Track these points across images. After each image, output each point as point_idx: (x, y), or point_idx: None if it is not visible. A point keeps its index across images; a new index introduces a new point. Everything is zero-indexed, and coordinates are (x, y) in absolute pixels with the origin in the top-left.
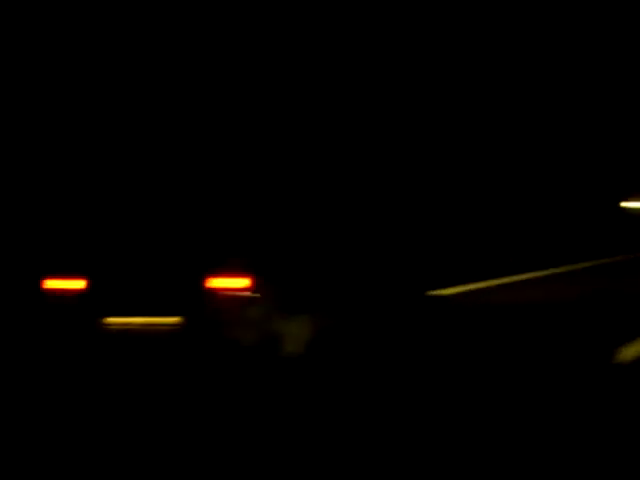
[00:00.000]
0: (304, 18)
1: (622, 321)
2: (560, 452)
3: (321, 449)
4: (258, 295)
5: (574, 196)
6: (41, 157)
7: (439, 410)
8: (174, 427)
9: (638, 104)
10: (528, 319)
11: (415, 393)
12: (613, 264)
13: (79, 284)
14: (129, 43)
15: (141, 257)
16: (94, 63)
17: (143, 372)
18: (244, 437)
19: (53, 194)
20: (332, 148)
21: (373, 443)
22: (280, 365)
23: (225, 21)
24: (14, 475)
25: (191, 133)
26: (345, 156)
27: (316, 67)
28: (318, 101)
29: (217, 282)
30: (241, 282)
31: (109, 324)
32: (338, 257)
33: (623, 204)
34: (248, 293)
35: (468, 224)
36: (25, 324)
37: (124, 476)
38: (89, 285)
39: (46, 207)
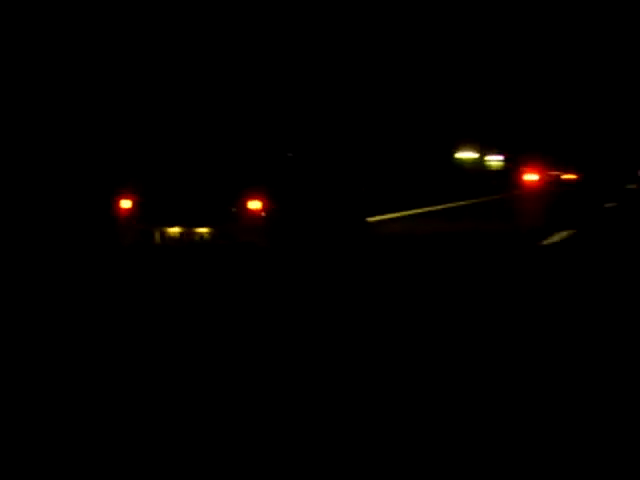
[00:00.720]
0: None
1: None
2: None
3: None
4: (266, 214)
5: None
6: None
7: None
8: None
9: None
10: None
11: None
12: (480, 204)
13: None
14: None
15: (189, 186)
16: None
17: (190, 263)
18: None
19: (150, 150)
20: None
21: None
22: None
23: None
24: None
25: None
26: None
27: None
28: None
29: (239, 205)
30: (257, 203)
31: (165, 232)
32: (313, 197)
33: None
34: (260, 211)
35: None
36: (102, 226)
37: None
38: (145, 202)
39: (140, 157)
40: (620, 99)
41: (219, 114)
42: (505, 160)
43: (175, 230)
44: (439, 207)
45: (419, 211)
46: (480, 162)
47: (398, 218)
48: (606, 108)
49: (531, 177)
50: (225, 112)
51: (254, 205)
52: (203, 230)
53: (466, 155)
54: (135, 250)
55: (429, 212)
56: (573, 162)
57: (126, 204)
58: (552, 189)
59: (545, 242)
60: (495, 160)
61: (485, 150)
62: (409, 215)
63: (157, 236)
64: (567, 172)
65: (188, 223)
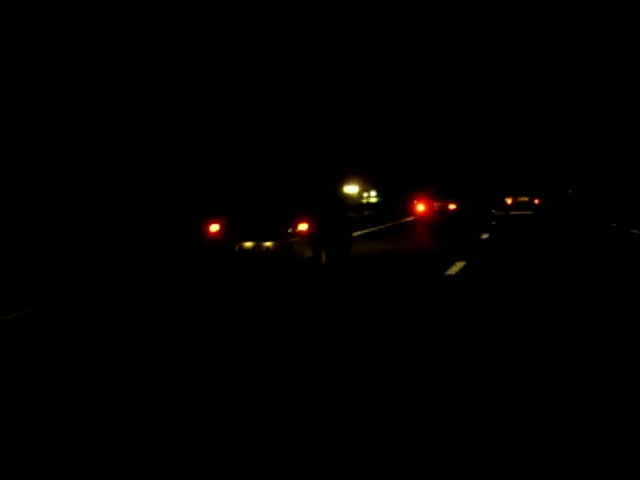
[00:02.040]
0: None
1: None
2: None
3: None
4: (311, 233)
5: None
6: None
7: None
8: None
9: None
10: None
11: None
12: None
13: (221, 225)
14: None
15: (259, 215)
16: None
17: (255, 266)
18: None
19: (225, 179)
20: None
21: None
22: (316, 268)
23: None
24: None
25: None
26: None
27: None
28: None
29: (297, 224)
30: (304, 225)
31: (241, 245)
32: (336, 220)
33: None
34: (307, 231)
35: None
36: (193, 249)
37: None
38: (229, 225)
39: (217, 183)
40: (486, 142)
41: (277, 163)
42: (379, 195)
43: (249, 244)
44: (359, 232)
45: None
46: (360, 197)
47: None
48: (474, 148)
49: (421, 207)
50: (280, 162)
51: (303, 227)
52: (268, 244)
53: (350, 190)
54: (221, 257)
55: (355, 236)
56: (454, 194)
57: (214, 227)
58: (439, 216)
59: (447, 273)
60: (372, 195)
61: (363, 187)
62: None
63: (236, 247)
64: (449, 202)
65: (257, 239)
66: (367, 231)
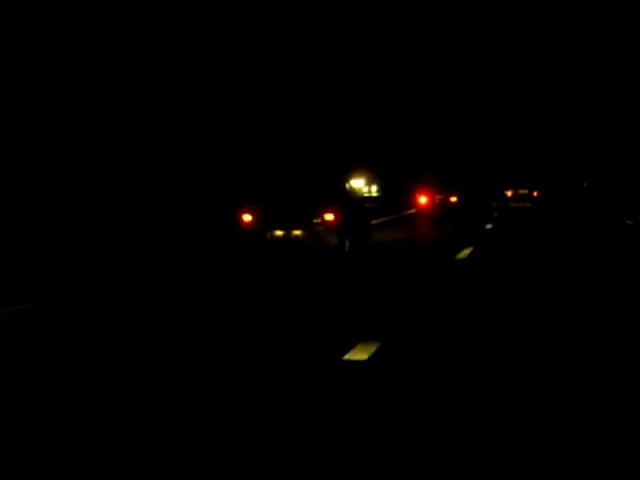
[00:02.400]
0: None
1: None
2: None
3: None
4: (337, 223)
5: None
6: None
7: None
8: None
9: None
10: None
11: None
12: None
13: (258, 214)
14: None
15: (289, 206)
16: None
17: (285, 253)
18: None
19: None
20: None
21: None
22: (340, 252)
23: None
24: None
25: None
26: None
27: None
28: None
29: (323, 214)
30: (331, 215)
31: (272, 233)
32: (357, 211)
33: None
34: (334, 221)
35: None
36: (229, 237)
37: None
38: (261, 215)
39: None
40: (488, 137)
41: (303, 159)
42: (381, 188)
43: (279, 232)
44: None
45: None
46: (363, 190)
47: None
48: (477, 144)
49: (423, 199)
50: (306, 158)
51: (329, 217)
52: (297, 232)
53: (355, 184)
54: (254, 243)
55: None
56: (455, 187)
57: (248, 217)
58: (440, 209)
59: (458, 257)
60: (374, 189)
61: (367, 180)
62: None
63: (268, 235)
64: (451, 195)
65: (287, 228)
66: (374, 222)
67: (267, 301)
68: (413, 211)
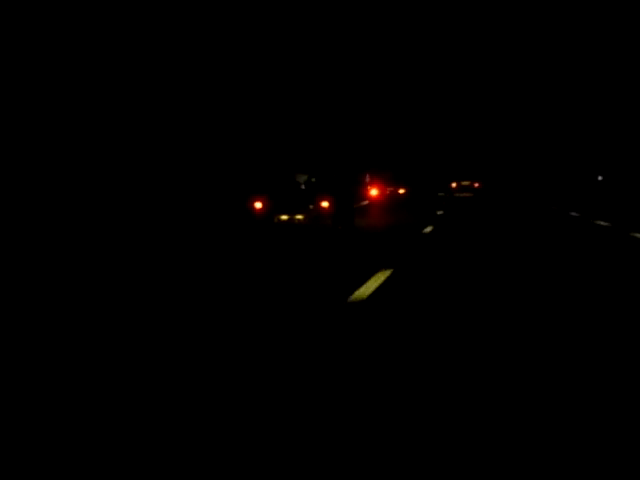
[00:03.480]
0: None
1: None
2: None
3: None
4: (331, 209)
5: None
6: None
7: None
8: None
9: None
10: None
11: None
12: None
13: (266, 201)
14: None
15: (292, 196)
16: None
17: (289, 233)
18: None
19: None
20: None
21: None
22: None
23: None
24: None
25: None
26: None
27: None
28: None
29: (320, 202)
30: (326, 203)
31: (279, 218)
32: (346, 200)
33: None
34: (329, 208)
35: None
36: (240, 219)
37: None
38: (270, 203)
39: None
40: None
41: (305, 160)
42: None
43: (285, 216)
44: None
45: None
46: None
47: None
48: (424, 140)
49: (374, 192)
50: (307, 159)
51: (324, 204)
52: (299, 216)
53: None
54: (263, 226)
55: None
56: (403, 180)
57: (258, 204)
58: (390, 200)
59: (424, 231)
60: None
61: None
62: None
63: (275, 219)
64: (400, 187)
65: (291, 213)
66: None
67: (277, 266)
68: (366, 203)
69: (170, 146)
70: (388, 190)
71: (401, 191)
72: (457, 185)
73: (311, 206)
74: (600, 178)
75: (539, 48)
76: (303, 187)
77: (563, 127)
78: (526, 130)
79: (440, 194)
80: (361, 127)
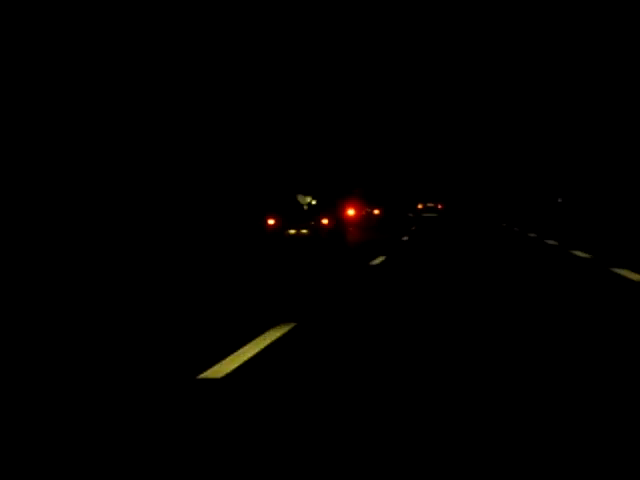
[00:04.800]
0: None
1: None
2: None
3: None
4: (332, 224)
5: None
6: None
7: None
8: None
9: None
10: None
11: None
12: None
13: (278, 220)
14: None
15: (298, 214)
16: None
17: (299, 247)
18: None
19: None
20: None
21: None
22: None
23: None
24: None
25: None
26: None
27: None
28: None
29: (321, 220)
30: (327, 221)
31: (288, 232)
32: (341, 217)
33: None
34: (328, 224)
35: None
36: (254, 235)
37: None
38: (280, 219)
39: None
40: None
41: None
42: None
43: (292, 231)
44: None
45: None
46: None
47: None
48: (394, 165)
49: (351, 212)
50: (310, 179)
51: (325, 221)
52: (304, 231)
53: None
54: (275, 238)
55: None
56: (378, 201)
57: (271, 221)
58: (367, 219)
59: (403, 239)
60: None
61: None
62: None
63: (285, 233)
64: (375, 208)
65: (297, 228)
66: None
67: (286, 270)
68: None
69: (192, 168)
70: (364, 210)
71: (376, 212)
72: (423, 206)
73: (313, 222)
74: (560, 200)
75: (499, 68)
76: (306, 208)
77: (524, 151)
78: (488, 154)
79: (411, 215)
80: (346, 150)
